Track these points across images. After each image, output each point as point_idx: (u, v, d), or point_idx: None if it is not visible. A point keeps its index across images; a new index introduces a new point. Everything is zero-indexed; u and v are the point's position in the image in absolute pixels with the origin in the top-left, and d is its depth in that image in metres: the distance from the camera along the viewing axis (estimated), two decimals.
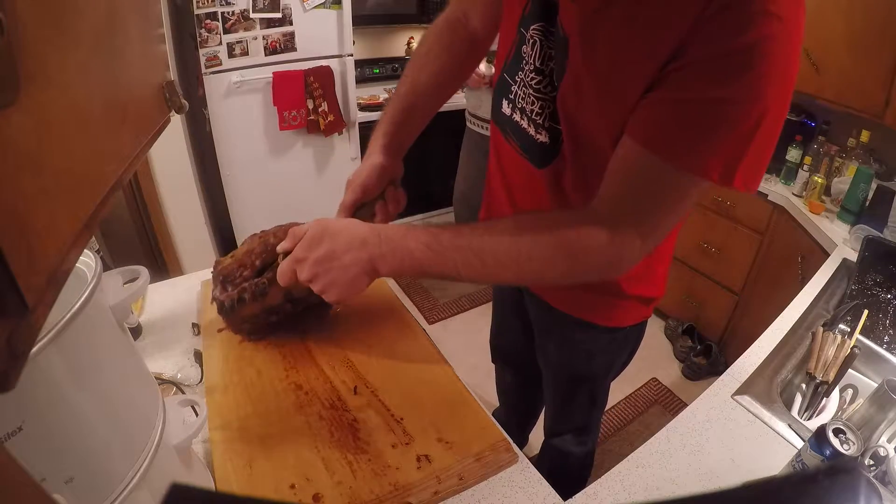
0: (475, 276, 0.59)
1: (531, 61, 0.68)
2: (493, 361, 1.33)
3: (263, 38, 1.98)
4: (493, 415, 0.75)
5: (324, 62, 2.14)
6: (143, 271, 0.61)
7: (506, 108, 0.76)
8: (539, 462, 1.24)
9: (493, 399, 1.49)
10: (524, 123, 0.72)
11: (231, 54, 1.93)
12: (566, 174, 0.70)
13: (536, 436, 1.39)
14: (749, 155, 0.51)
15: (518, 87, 0.71)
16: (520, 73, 0.70)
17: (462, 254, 0.58)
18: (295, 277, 0.64)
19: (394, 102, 0.81)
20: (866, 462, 0.75)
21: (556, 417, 1.10)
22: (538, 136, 0.70)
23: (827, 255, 1.46)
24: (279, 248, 0.69)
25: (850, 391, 1.01)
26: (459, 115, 2.23)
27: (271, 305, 0.80)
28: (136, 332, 0.92)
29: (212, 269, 0.86)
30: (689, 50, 0.49)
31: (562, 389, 1.03)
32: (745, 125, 0.50)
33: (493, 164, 0.88)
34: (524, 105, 0.71)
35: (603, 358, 0.93)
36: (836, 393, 0.97)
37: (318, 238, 0.62)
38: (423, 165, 2.68)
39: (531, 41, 0.67)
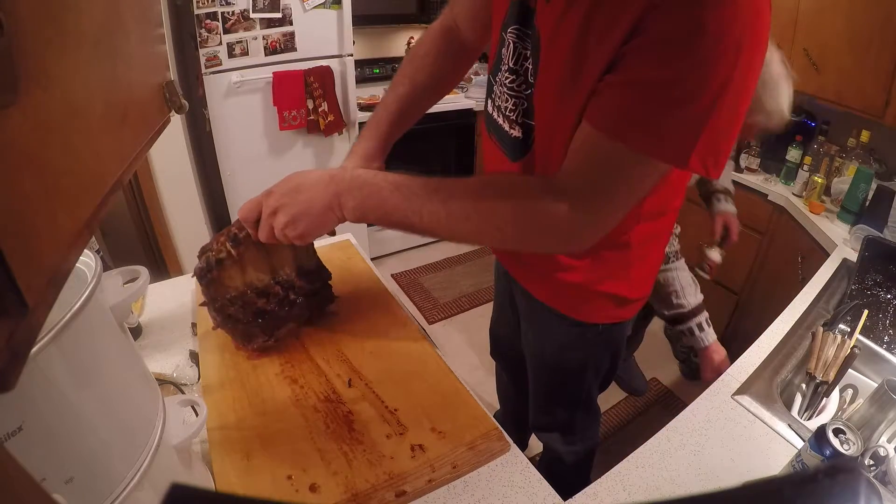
0: (436, 224, 0.60)
1: (507, 62, 0.70)
2: (491, 355, 1.34)
3: (263, 38, 1.97)
4: (493, 416, 0.75)
5: (324, 62, 2.14)
6: (143, 271, 0.61)
7: (489, 107, 0.80)
8: (538, 464, 1.24)
9: (493, 400, 1.49)
10: (500, 120, 0.75)
11: (231, 54, 1.93)
12: (536, 167, 0.72)
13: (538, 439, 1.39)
14: (704, 137, 0.50)
15: (497, 87, 0.75)
16: (499, 74, 0.73)
17: (429, 200, 0.59)
18: (258, 211, 0.65)
19: (392, 103, 0.84)
20: (866, 462, 0.75)
21: (535, 409, 1.11)
22: (512, 131, 0.73)
23: (827, 255, 1.46)
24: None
25: (850, 391, 1.01)
26: (464, 114, 2.19)
27: (255, 285, 0.80)
28: (136, 332, 0.93)
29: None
30: (641, 32, 0.49)
31: (540, 380, 1.05)
32: (696, 106, 0.49)
33: (483, 158, 0.93)
34: (500, 103, 0.74)
35: (574, 353, 0.93)
36: (836, 393, 0.97)
37: (288, 177, 0.65)
38: (425, 165, 2.68)
39: (507, 43, 0.69)
